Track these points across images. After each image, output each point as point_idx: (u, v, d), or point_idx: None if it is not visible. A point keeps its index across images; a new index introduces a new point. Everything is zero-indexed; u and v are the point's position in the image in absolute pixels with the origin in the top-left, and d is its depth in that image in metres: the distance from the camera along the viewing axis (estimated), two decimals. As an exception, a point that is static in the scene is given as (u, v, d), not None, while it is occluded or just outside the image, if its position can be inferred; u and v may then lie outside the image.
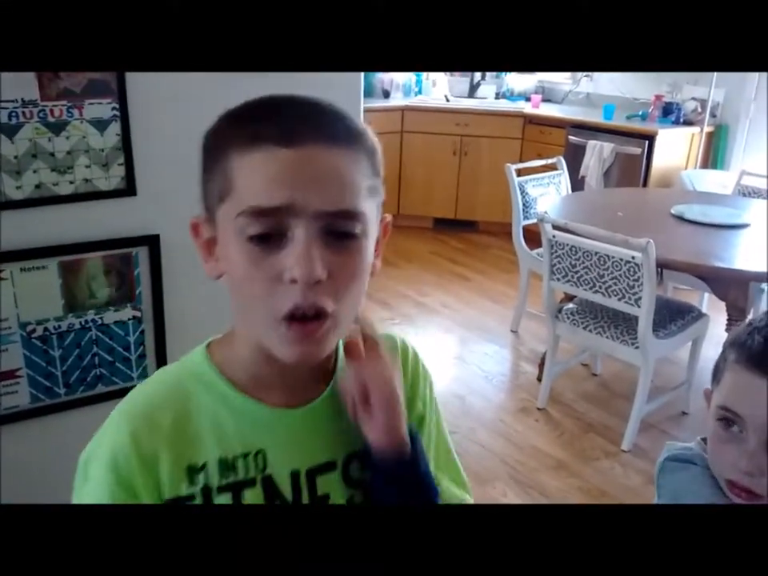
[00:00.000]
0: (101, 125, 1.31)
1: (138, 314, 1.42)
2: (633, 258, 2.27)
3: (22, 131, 1.25)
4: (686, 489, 0.81)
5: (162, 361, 1.46)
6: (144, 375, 1.45)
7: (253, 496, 0.66)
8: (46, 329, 1.34)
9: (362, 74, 1.67)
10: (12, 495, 1.26)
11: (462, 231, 5.09)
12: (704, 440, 0.90)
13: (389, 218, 0.70)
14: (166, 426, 0.64)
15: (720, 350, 0.85)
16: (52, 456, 1.30)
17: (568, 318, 2.68)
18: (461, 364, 3.28)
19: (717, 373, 0.83)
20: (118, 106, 1.31)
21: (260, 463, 0.67)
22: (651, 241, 2.21)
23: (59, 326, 1.35)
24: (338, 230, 0.60)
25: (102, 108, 1.30)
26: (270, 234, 0.59)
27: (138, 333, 1.44)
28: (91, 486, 0.64)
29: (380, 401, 0.66)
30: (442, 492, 0.72)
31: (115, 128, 1.33)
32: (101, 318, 1.39)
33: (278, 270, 0.58)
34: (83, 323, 1.37)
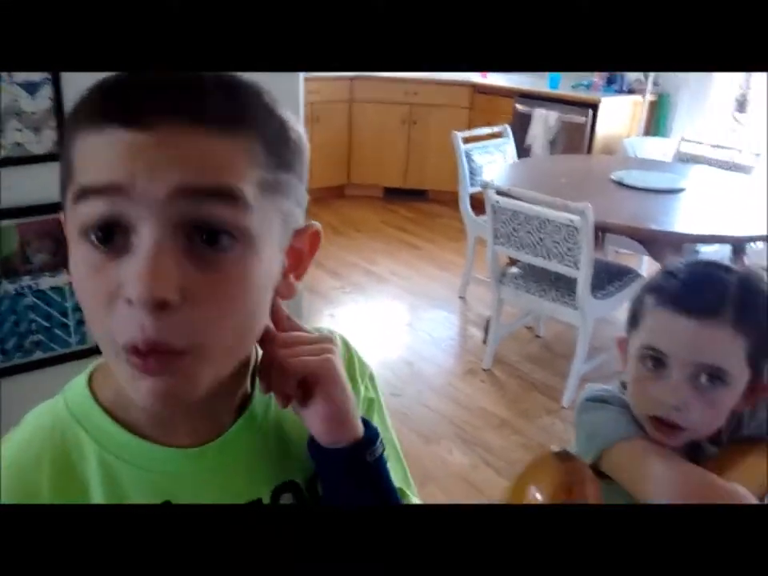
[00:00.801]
0: (32, 88, 1.29)
1: (75, 279, 1.42)
2: (571, 221, 2.34)
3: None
4: (601, 426, 0.86)
5: (101, 326, 1.46)
6: (83, 341, 1.45)
7: None
8: (-21, 295, 1.32)
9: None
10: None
11: (411, 200, 5.13)
12: (623, 384, 0.96)
13: (317, 226, 0.57)
14: (46, 488, 0.51)
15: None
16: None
17: (512, 282, 2.74)
18: (410, 330, 3.33)
19: (635, 318, 0.87)
20: (47, 67, 1.29)
21: None
22: (589, 205, 2.28)
23: (-6, 292, 1.34)
24: (207, 227, 0.45)
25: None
26: (111, 231, 0.45)
27: (75, 299, 1.43)
28: None
29: (322, 386, 0.55)
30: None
31: (47, 91, 1.30)
32: (36, 284, 1.38)
33: (118, 283, 0.44)
34: (19, 289, 1.36)
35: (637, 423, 0.85)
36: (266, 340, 0.55)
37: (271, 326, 0.57)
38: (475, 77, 4.94)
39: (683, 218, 2.60)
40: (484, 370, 2.92)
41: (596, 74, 4.51)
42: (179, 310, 0.44)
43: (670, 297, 0.82)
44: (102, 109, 0.46)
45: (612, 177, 2.94)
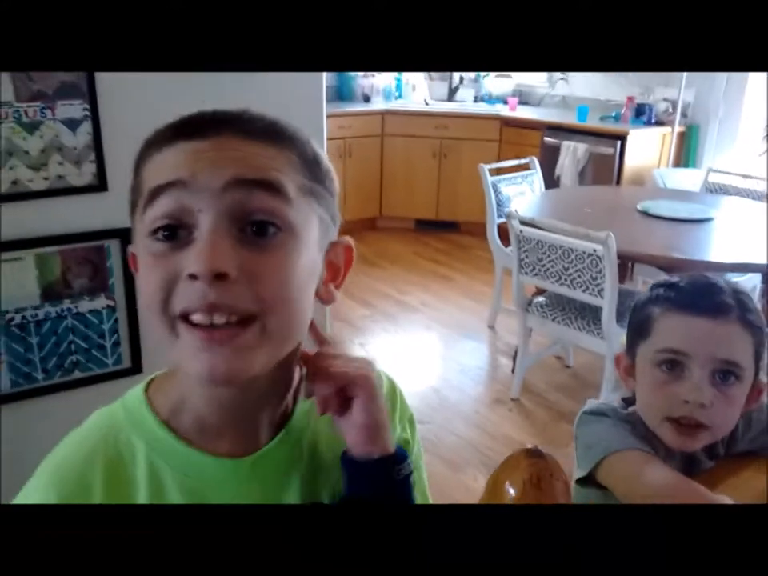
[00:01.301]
0: (73, 124, 1.39)
1: (111, 302, 1.50)
2: (594, 250, 2.37)
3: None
4: (599, 437, 0.90)
5: (135, 347, 1.53)
6: (119, 362, 1.53)
7: None
8: (24, 317, 1.41)
9: (326, 75, 1.76)
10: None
11: (443, 232, 5.19)
12: (624, 401, 0.99)
13: (350, 241, 0.63)
14: (98, 483, 0.57)
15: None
16: (30, 440, 1.37)
17: (537, 310, 2.77)
18: (439, 359, 3.37)
19: (643, 329, 0.91)
20: (88, 106, 1.39)
21: None
22: (611, 234, 2.31)
23: (36, 315, 1.43)
24: (255, 219, 0.52)
25: (74, 108, 1.38)
26: (175, 227, 0.51)
27: (112, 321, 1.51)
28: None
29: (361, 397, 0.59)
30: None
31: (87, 127, 1.41)
32: (76, 307, 1.47)
33: (180, 267, 0.51)
34: (59, 312, 1.45)
35: (635, 436, 0.88)
36: (314, 349, 0.62)
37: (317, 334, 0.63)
38: (504, 110, 5.02)
39: (709, 247, 2.61)
40: (512, 399, 2.93)
41: (624, 105, 4.55)
42: (236, 282, 0.50)
43: (681, 301, 0.88)
44: (171, 132, 0.54)
45: (638, 207, 2.96)
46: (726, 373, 0.86)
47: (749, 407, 0.90)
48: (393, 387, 0.72)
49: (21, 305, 1.41)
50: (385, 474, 0.59)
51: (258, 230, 0.52)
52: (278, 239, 0.53)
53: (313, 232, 0.56)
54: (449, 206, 5.14)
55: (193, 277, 0.50)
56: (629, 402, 0.97)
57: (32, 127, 1.36)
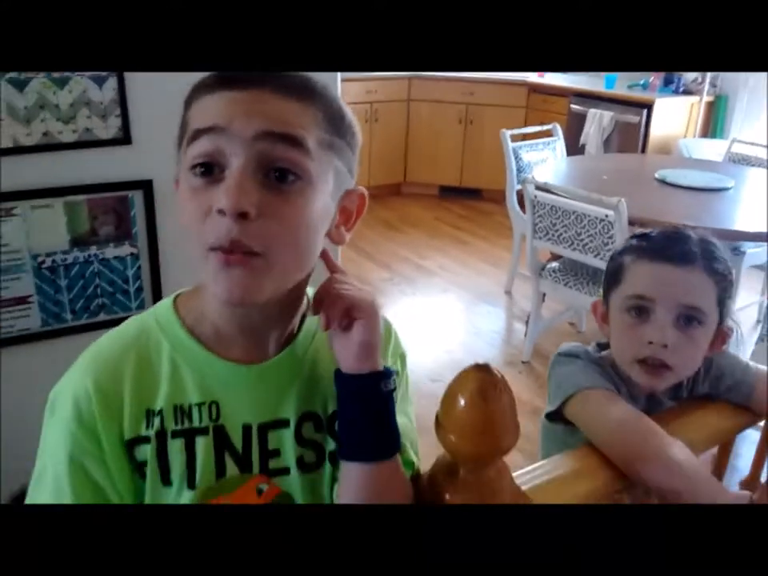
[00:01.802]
0: (100, 80, 1.48)
1: (135, 250, 1.60)
2: (606, 216, 2.40)
3: (31, 85, 1.42)
4: (569, 376, 0.96)
5: (157, 293, 1.64)
6: (141, 306, 1.64)
7: (204, 443, 0.68)
8: (54, 260, 1.52)
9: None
10: (18, 409, 1.45)
11: (466, 199, 5.22)
12: (598, 345, 1.06)
13: (363, 190, 0.70)
14: (128, 373, 0.66)
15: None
16: (59, 377, 1.48)
17: (550, 275, 2.82)
18: (454, 322, 3.44)
19: (616, 276, 0.98)
20: (115, 63, 1.47)
21: (213, 413, 0.68)
22: (623, 200, 2.34)
23: (65, 259, 1.53)
24: (278, 166, 0.59)
25: (102, 65, 1.47)
26: (210, 165, 0.59)
27: (135, 267, 1.62)
28: (56, 422, 0.67)
29: (362, 318, 0.66)
30: (405, 453, 0.73)
31: (112, 83, 1.49)
32: (102, 253, 1.57)
33: (212, 201, 0.59)
34: (86, 257, 1.55)
35: (603, 377, 0.95)
36: (328, 271, 0.71)
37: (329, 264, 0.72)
38: (532, 76, 5.00)
39: (722, 215, 2.62)
40: (523, 362, 3.00)
41: (653, 74, 4.50)
42: (255, 221, 0.58)
43: (651, 250, 0.94)
44: (214, 81, 0.61)
45: (656, 175, 2.97)
46: (689, 317, 0.92)
47: (712, 351, 0.96)
48: (388, 326, 0.79)
49: (51, 249, 1.51)
50: (373, 387, 0.66)
51: (279, 176, 0.60)
52: (296, 186, 0.60)
53: (329, 182, 0.64)
54: (473, 172, 5.16)
55: (221, 212, 0.58)
56: (603, 347, 1.04)
57: (62, 82, 1.45)
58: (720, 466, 1.04)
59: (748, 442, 1.31)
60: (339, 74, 1.71)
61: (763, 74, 4.17)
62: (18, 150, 1.44)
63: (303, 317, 0.73)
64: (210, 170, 0.60)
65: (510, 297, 3.69)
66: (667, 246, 0.94)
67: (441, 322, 3.42)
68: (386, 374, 0.68)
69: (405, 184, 5.37)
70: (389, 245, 4.32)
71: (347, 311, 0.67)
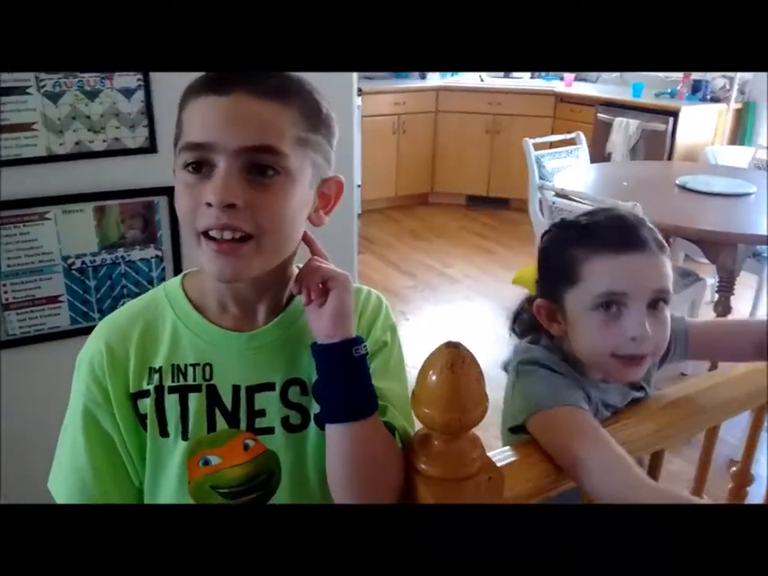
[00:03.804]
0: (128, 93, 1.58)
1: (159, 253, 1.69)
2: (622, 220, 2.43)
3: (64, 97, 1.53)
4: (531, 390, 0.93)
5: (179, 294, 1.73)
6: (165, 306, 1.73)
7: (197, 399, 0.76)
8: (83, 262, 1.62)
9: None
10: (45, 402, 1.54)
11: (493, 208, 5.25)
12: (533, 342, 1.02)
13: (340, 178, 0.79)
14: (136, 335, 0.77)
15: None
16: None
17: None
18: (473, 327, 3.48)
19: (568, 276, 0.92)
20: (142, 77, 1.57)
21: (207, 374, 0.77)
22: (638, 204, 2.36)
23: (94, 260, 1.63)
24: (258, 164, 0.68)
25: (129, 79, 1.57)
26: (200, 164, 0.68)
27: (159, 269, 1.71)
28: (77, 380, 0.78)
29: (335, 288, 0.74)
30: (387, 415, 0.77)
31: (140, 96, 1.59)
32: (128, 255, 1.66)
33: (202, 196, 0.67)
34: (114, 259, 1.65)
35: (567, 387, 0.91)
36: (308, 252, 0.79)
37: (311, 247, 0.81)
38: (559, 86, 5.03)
39: (742, 221, 2.62)
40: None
41: (680, 82, 4.50)
42: (241, 210, 0.67)
43: (605, 243, 0.89)
44: (201, 85, 0.70)
45: (677, 181, 2.98)
46: (657, 300, 0.90)
47: None
48: (380, 300, 0.87)
49: (80, 251, 1.61)
50: (345, 353, 0.73)
51: (259, 172, 0.68)
52: (276, 179, 0.69)
53: (306, 174, 0.73)
54: (500, 182, 5.20)
55: (209, 205, 0.67)
56: (534, 342, 1.01)
57: (93, 95, 1.55)
58: (707, 451, 1.07)
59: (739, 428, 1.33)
60: (355, 76, 1.78)
61: (792, 81, 4.14)
62: (52, 158, 1.54)
63: (291, 296, 0.81)
64: (199, 168, 0.69)
65: (533, 304, 3.71)
66: (618, 235, 0.90)
67: (462, 328, 3.46)
68: (357, 340, 0.75)
69: (432, 194, 5.43)
70: (414, 254, 4.38)
71: (323, 283, 0.75)
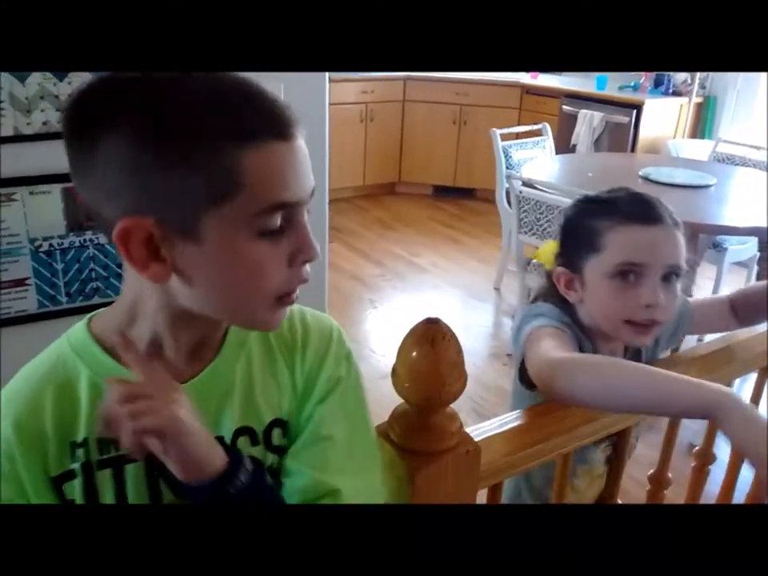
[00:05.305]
0: (98, 73, 1.55)
1: (128, 236, 1.68)
2: (588, 210, 2.48)
3: (32, 77, 1.50)
4: (525, 319, 0.99)
5: (149, 278, 1.71)
6: (134, 290, 1.71)
7: (134, 471, 0.64)
8: (50, 244, 1.59)
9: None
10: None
11: (460, 198, 5.29)
12: (535, 298, 1.11)
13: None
14: (49, 406, 0.63)
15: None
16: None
17: (536, 269, 2.89)
18: (442, 316, 3.49)
19: (591, 245, 0.99)
20: (111, 56, 1.55)
21: None
22: (604, 194, 2.42)
23: (62, 243, 1.60)
24: None
25: (98, 58, 1.54)
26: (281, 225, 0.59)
27: (129, 253, 1.69)
28: None
29: (170, 438, 0.58)
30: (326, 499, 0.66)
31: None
32: (97, 238, 1.64)
33: (286, 255, 0.60)
34: (82, 242, 1.63)
35: (566, 324, 0.98)
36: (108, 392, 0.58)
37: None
38: (525, 78, 5.08)
39: (701, 211, 2.70)
40: (508, 354, 3.07)
41: (643, 75, 4.58)
42: None
43: (627, 216, 0.96)
44: (249, 123, 0.57)
45: (640, 173, 3.05)
46: (670, 274, 0.96)
47: None
48: (329, 326, 0.74)
49: (48, 233, 1.58)
50: (218, 492, 0.60)
51: None
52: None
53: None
54: (466, 172, 5.24)
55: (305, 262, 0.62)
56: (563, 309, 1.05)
57: (62, 75, 1.52)
58: (671, 433, 1.11)
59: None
60: (327, 74, 1.78)
61: (751, 76, 4.25)
62: (20, 138, 1.51)
63: (225, 335, 0.69)
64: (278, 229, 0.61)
65: (498, 293, 3.76)
66: (641, 209, 0.96)
67: (429, 315, 3.48)
68: (231, 473, 0.60)
69: (399, 184, 5.44)
70: (382, 242, 4.39)
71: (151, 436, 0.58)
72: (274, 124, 0.58)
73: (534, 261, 2.94)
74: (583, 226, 1.01)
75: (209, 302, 0.62)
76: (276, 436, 0.69)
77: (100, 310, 0.70)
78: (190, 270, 0.60)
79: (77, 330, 0.68)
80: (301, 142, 0.59)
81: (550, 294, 1.08)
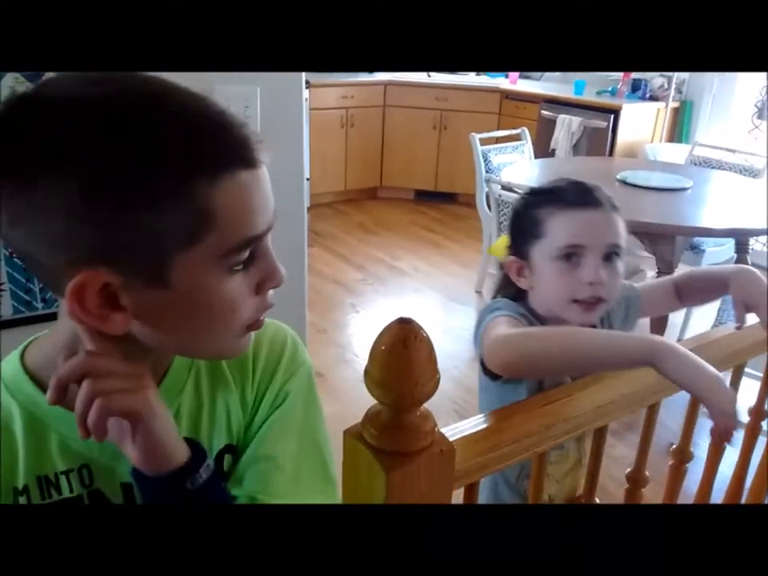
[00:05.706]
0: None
1: (104, 241, 1.66)
2: (566, 213, 2.50)
3: (4, 80, 1.48)
4: (483, 313, 1.03)
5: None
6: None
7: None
8: (24, 250, 1.57)
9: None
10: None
11: (441, 202, 5.31)
12: (498, 294, 1.15)
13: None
14: None
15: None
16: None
17: (516, 272, 2.91)
18: (423, 319, 3.49)
19: (534, 231, 1.04)
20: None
21: (85, 478, 0.61)
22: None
23: (36, 248, 1.59)
24: None
25: (72, 62, 1.53)
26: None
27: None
28: None
29: (141, 421, 0.55)
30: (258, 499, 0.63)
31: None
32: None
33: (254, 284, 0.58)
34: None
35: (519, 313, 1.02)
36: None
37: (84, 346, 0.55)
38: (504, 83, 5.11)
39: (678, 214, 2.73)
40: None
41: (620, 81, 4.63)
42: None
43: (566, 202, 1.02)
44: (220, 152, 0.52)
45: (618, 176, 3.08)
46: (611, 254, 1.02)
47: None
48: (283, 337, 0.72)
49: (22, 239, 1.57)
50: (176, 487, 0.57)
51: None
52: None
53: None
54: (447, 177, 5.26)
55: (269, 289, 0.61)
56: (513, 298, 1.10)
57: (33, 78, 1.51)
58: (647, 431, 1.12)
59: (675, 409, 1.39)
60: (304, 75, 1.78)
61: (727, 80, 4.31)
62: (-9, 142, 1.50)
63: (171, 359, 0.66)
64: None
65: (480, 296, 3.78)
66: (579, 195, 1.02)
67: (402, 316, 3.48)
68: (192, 468, 0.58)
69: (381, 188, 5.45)
70: (363, 247, 4.39)
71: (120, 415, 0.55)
72: (242, 152, 0.53)
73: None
74: (528, 215, 1.07)
75: (174, 342, 0.59)
76: (227, 463, 0.67)
77: (37, 336, 0.64)
78: (155, 314, 0.55)
79: (9, 364, 0.61)
80: (265, 169, 0.56)
81: (505, 286, 1.14)
